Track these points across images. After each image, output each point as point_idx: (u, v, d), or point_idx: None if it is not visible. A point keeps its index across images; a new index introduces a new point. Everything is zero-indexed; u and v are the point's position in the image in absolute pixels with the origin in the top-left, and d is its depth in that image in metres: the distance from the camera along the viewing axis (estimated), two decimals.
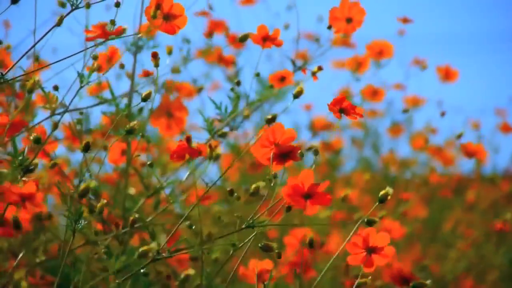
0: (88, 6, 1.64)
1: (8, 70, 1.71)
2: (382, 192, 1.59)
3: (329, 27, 1.97)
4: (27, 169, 1.65)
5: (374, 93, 3.11)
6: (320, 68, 1.94)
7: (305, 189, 1.54)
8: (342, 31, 1.94)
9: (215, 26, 2.79)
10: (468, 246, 3.70)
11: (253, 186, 1.68)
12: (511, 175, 4.43)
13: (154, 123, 2.09)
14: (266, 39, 1.89)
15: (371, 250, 1.57)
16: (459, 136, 2.87)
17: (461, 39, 5.29)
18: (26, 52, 1.71)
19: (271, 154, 1.58)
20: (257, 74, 2.01)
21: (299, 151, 1.58)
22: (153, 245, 1.58)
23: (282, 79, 1.91)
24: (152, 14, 1.63)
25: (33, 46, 1.71)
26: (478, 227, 3.91)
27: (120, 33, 1.62)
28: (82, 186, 1.61)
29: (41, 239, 2.11)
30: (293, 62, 2.19)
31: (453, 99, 4.09)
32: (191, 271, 1.66)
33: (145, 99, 1.69)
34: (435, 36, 5.09)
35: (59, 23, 1.67)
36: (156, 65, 1.90)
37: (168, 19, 1.65)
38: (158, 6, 1.61)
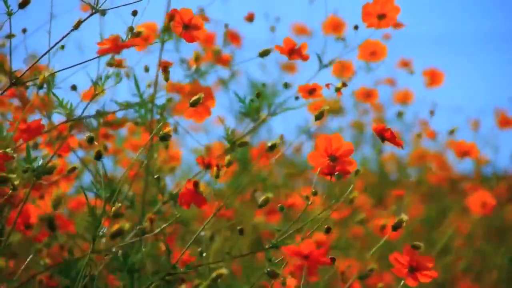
0: (103, 13, 1.65)
1: (23, 74, 1.71)
2: (397, 220, 1.63)
3: (355, 27, 1.99)
4: (47, 172, 1.64)
5: (367, 95, 3.10)
6: (344, 85, 1.92)
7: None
8: (375, 26, 1.94)
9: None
10: (464, 244, 3.70)
11: (263, 198, 1.69)
12: (510, 175, 4.44)
13: (180, 110, 2.12)
14: (293, 52, 1.91)
15: (414, 269, 1.59)
16: (452, 132, 2.87)
17: (461, 39, 5.30)
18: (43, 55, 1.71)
19: (318, 170, 1.59)
20: (285, 85, 2.03)
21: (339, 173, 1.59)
22: (126, 225, 1.58)
23: (311, 91, 1.90)
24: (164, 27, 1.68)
25: (50, 48, 1.71)
26: (477, 227, 3.91)
27: (131, 45, 1.63)
28: (114, 208, 1.61)
29: (44, 241, 2.11)
30: (320, 58, 2.19)
31: (452, 99, 4.08)
32: (224, 270, 1.64)
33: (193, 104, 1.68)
34: (435, 36, 5.10)
35: (76, 26, 1.67)
36: (167, 79, 1.92)
37: (187, 28, 1.67)
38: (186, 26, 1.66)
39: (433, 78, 3.52)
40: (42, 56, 1.69)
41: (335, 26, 2.84)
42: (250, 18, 2.42)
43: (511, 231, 4.05)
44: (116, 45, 1.63)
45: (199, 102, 1.69)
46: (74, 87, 1.99)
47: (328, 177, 1.61)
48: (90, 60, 1.67)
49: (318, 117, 1.66)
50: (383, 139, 1.62)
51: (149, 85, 2.15)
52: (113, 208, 1.67)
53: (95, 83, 1.69)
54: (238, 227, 1.71)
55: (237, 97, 2.08)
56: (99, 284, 1.97)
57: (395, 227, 1.63)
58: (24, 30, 1.96)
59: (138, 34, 1.88)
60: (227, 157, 1.86)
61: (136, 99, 2.11)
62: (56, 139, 2.06)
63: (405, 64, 3.60)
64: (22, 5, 1.68)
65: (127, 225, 1.62)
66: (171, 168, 2.52)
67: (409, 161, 4.29)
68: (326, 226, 1.61)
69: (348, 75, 2.74)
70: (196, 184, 1.70)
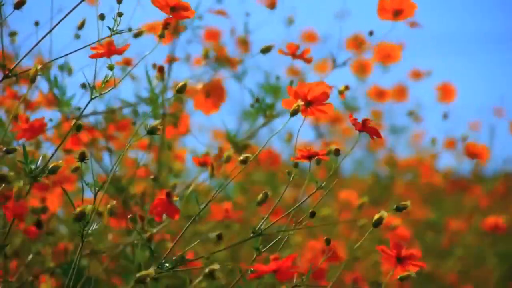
0: (102, 17, 1.63)
1: (15, 66, 1.69)
2: (376, 217, 1.60)
3: (371, 33, 2.01)
4: (50, 172, 1.61)
5: (380, 94, 3.10)
6: (347, 88, 1.92)
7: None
8: (389, 19, 1.94)
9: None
10: (453, 240, 3.71)
11: (260, 196, 1.68)
12: (508, 175, 4.44)
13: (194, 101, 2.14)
14: (295, 56, 1.93)
15: (401, 260, 1.59)
16: (464, 139, 2.88)
17: (461, 39, 5.30)
18: (32, 48, 1.70)
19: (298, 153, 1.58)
20: (291, 83, 2.05)
21: (319, 156, 1.58)
22: (151, 270, 1.56)
23: None
24: (160, 33, 1.66)
25: (39, 41, 1.70)
26: (474, 227, 3.92)
27: (124, 51, 1.62)
28: (109, 205, 1.60)
29: (46, 241, 2.10)
30: (333, 59, 2.19)
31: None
32: (216, 266, 1.62)
33: (180, 91, 1.66)
34: (435, 36, 5.10)
35: (80, 26, 1.66)
36: (162, 80, 1.91)
37: (176, 10, 1.67)
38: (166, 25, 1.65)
39: (445, 93, 3.51)
40: (30, 50, 1.67)
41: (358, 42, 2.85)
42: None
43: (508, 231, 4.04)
44: (110, 50, 1.61)
45: (184, 89, 1.66)
46: (84, 85, 2.00)
47: (307, 160, 1.59)
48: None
49: (293, 114, 1.62)
50: (361, 130, 1.60)
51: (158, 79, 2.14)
52: (108, 206, 1.65)
53: (92, 87, 1.66)
54: (216, 233, 1.69)
55: (250, 93, 2.08)
56: (99, 285, 1.96)
57: (375, 226, 1.59)
58: (36, 23, 1.94)
59: (139, 34, 1.87)
60: (226, 153, 1.85)
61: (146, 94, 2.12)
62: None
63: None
64: (17, 6, 1.66)
65: (89, 207, 1.58)
66: (177, 169, 2.52)
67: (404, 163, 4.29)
68: (310, 211, 1.59)
69: (366, 74, 2.76)
70: (169, 194, 1.67)
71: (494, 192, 4.22)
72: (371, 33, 2.08)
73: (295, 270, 1.55)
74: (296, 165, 1.60)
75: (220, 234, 1.67)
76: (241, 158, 1.61)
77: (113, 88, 1.63)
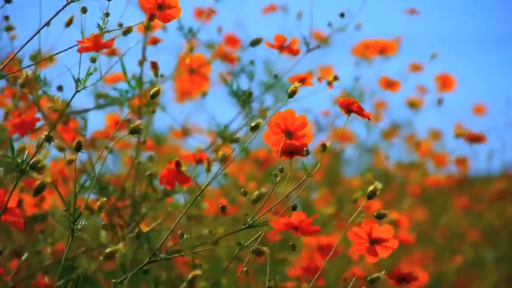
0: (84, 10, 1.63)
1: (3, 67, 1.69)
2: (370, 188, 1.54)
3: (342, 15, 2.04)
4: (32, 168, 1.59)
5: (389, 84, 3.10)
6: (336, 78, 1.92)
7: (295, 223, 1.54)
8: None
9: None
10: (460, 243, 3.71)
11: (255, 193, 1.66)
12: (507, 174, 4.44)
13: (176, 80, 2.14)
14: (283, 48, 1.94)
15: (374, 241, 1.54)
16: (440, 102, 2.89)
17: (461, 39, 5.30)
18: (20, 50, 1.69)
19: (279, 148, 1.56)
20: (275, 76, 2.05)
21: (306, 149, 1.56)
22: (120, 246, 1.55)
23: (302, 81, 1.90)
24: (146, 24, 1.66)
25: (26, 43, 1.69)
26: (473, 227, 3.92)
27: (111, 45, 1.61)
28: (99, 202, 1.59)
29: (47, 241, 2.10)
30: (307, 44, 2.20)
31: (451, 98, 4.07)
32: (198, 272, 1.61)
33: (153, 96, 1.65)
34: (435, 36, 5.10)
35: (68, 24, 1.67)
36: (156, 75, 1.91)
37: (162, 9, 1.66)
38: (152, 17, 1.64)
39: (445, 83, 3.51)
40: (19, 51, 1.67)
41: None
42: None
43: (503, 232, 4.05)
44: (97, 44, 1.61)
45: (158, 94, 1.65)
46: (60, 88, 2.00)
47: (289, 158, 1.57)
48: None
49: (290, 95, 1.60)
50: (349, 112, 1.58)
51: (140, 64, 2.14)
52: (98, 203, 1.65)
53: (76, 80, 1.65)
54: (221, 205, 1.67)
55: (229, 87, 2.08)
56: (94, 283, 1.96)
57: (369, 197, 1.54)
58: (6, 18, 1.95)
59: (128, 31, 1.87)
60: (221, 151, 1.85)
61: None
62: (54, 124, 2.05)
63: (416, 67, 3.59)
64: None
65: (48, 180, 1.56)
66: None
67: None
68: (292, 204, 1.56)
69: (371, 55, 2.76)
70: (178, 164, 1.68)
71: (492, 192, 4.22)
72: (341, 15, 2.10)
73: (314, 229, 1.53)
74: (281, 170, 1.57)
75: (223, 206, 1.65)
76: (253, 124, 1.60)
77: (99, 80, 1.63)
